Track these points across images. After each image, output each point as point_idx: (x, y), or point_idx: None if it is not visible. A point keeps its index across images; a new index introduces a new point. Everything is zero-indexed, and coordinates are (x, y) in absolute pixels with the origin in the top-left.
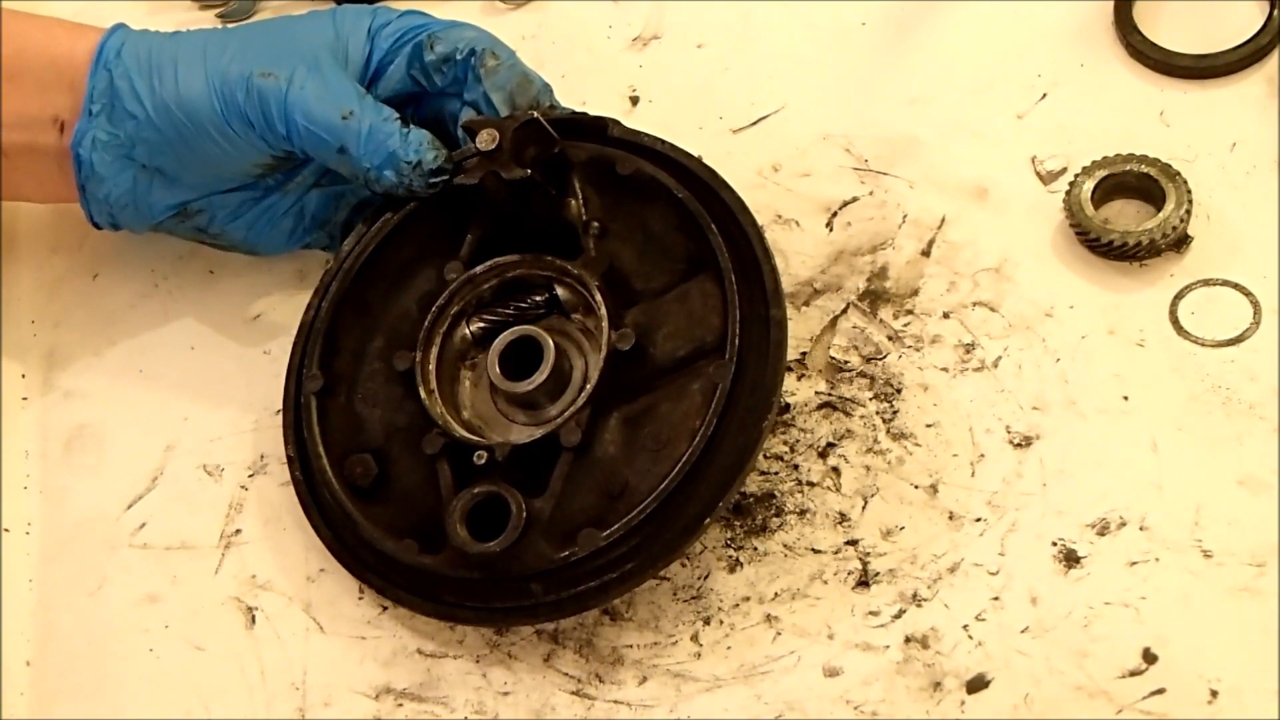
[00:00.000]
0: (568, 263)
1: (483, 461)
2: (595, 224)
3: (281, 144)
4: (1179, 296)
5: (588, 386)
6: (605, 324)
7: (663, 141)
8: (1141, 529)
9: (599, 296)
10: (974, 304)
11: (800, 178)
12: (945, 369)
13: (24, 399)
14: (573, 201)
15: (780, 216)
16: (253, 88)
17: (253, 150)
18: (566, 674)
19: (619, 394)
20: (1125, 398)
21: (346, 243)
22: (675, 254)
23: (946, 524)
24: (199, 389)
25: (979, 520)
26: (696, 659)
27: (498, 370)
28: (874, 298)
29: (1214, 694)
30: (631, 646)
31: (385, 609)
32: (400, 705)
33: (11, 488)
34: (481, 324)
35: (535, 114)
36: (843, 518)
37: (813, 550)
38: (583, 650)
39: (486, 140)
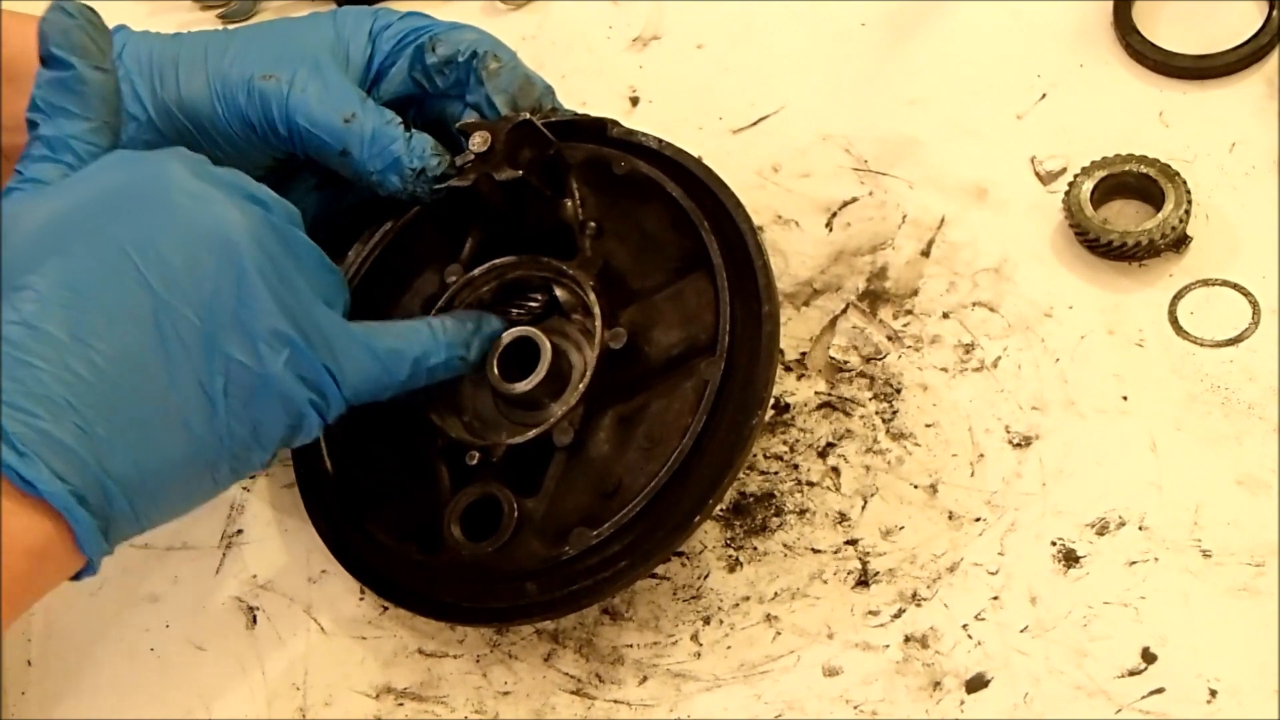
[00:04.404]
0: (564, 263)
1: (474, 462)
2: (592, 224)
3: (283, 146)
4: (1178, 297)
5: (581, 386)
6: (599, 323)
7: (661, 141)
8: (1141, 529)
9: (593, 296)
10: (973, 304)
11: (800, 178)
12: (945, 369)
13: None
14: (568, 202)
15: (780, 217)
16: (254, 90)
17: (254, 152)
18: (567, 673)
19: (613, 393)
20: (1124, 398)
21: (352, 250)
22: (670, 253)
23: (946, 524)
24: None
25: (978, 520)
26: (696, 659)
27: (496, 371)
28: (874, 298)
29: (1213, 693)
30: (631, 646)
31: (386, 609)
32: (400, 705)
33: None
34: None
35: (528, 115)
36: (842, 517)
37: (812, 550)
38: (583, 650)
39: (479, 142)
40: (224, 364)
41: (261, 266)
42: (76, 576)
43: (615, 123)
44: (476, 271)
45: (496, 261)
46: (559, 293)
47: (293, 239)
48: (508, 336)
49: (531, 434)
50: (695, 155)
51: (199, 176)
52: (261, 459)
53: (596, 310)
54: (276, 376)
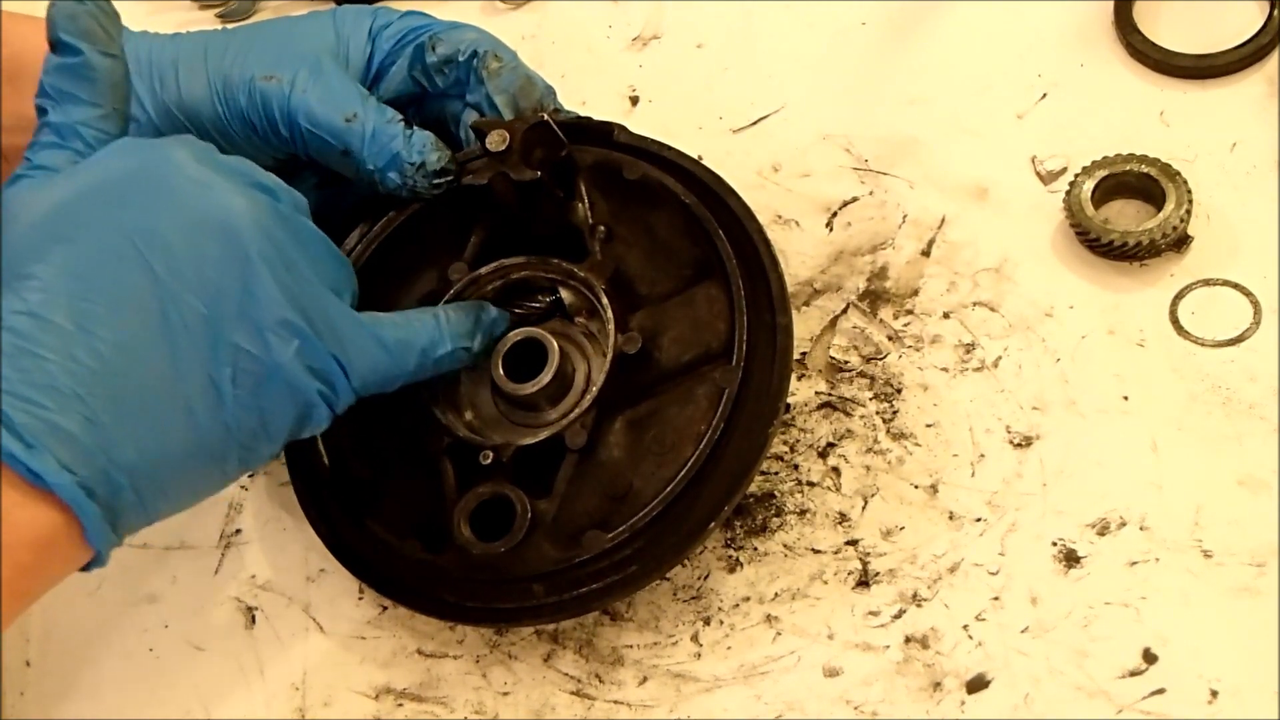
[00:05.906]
0: (574, 266)
1: (488, 462)
2: (601, 228)
3: (285, 147)
4: (1179, 296)
5: (592, 389)
6: (612, 327)
7: (668, 148)
8: (1141, 529)
9: (606, 300)
10: (974, 304)
11: (800, 178)
12: (945, 369)
13: None
14: (580, 205)
15: (780, 216)
16: (255, 91)
17: (255, 153)
18: (566, 674)
19: (624, 397)
20: (1125, 398)
21: (350, 239)
22: (681, 259)
23: (946, 524)
24: None
25: (979, 520)
26: (696, 659)
27: (501, 371)
28: (874, 298)
29: (1214, 694)
30: (631, 647)
31: (385, 609)
32: (400, 705)
33: None
34: None
35: (545, 116)
36: (843, 518)
37: (813, 550)
38: (583, 650)
39: (497, 141)
40: (231, 353)
41: (268, 255)
42: (85, 568)
43: (622, 127)
44: (483, 270)
45: (504, 261)
46: (564, 295)
47: (300, 228)
48: (513, 336)
49: (544, 435)
50: (697, 157)
51: (205, 164)
52: (270, 450)
53: (609, 314)
54: (285, 366)
